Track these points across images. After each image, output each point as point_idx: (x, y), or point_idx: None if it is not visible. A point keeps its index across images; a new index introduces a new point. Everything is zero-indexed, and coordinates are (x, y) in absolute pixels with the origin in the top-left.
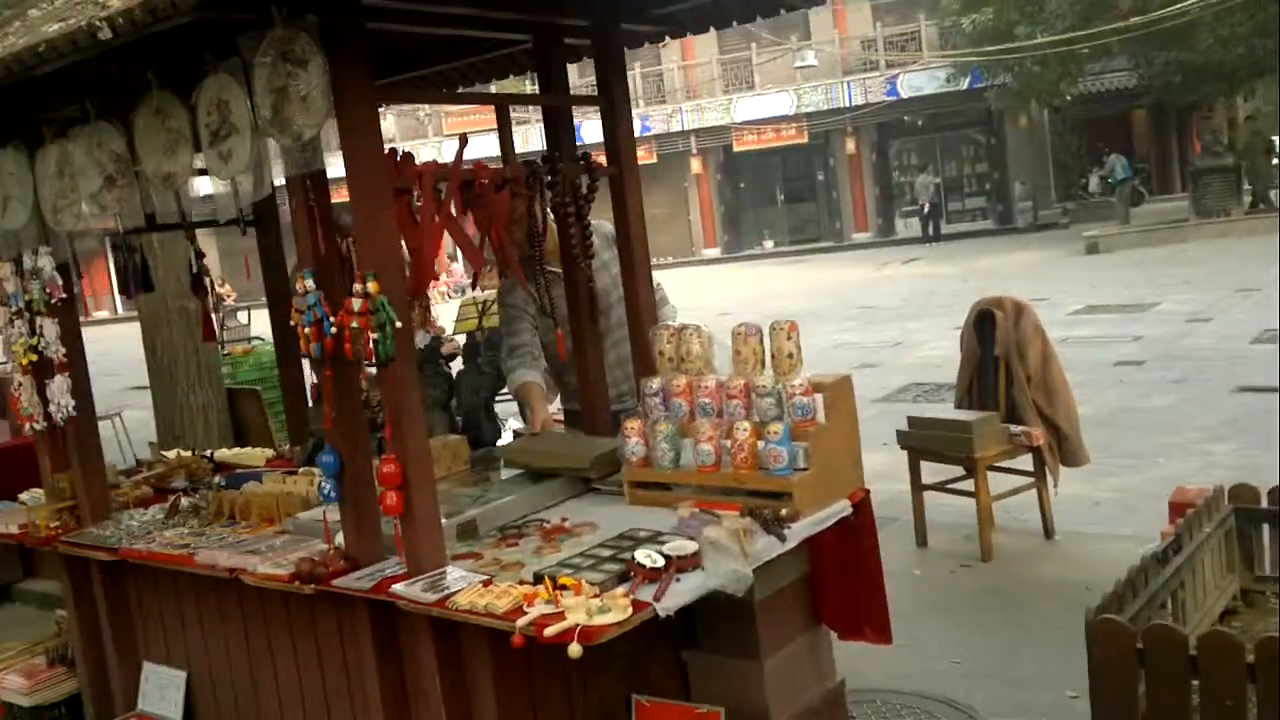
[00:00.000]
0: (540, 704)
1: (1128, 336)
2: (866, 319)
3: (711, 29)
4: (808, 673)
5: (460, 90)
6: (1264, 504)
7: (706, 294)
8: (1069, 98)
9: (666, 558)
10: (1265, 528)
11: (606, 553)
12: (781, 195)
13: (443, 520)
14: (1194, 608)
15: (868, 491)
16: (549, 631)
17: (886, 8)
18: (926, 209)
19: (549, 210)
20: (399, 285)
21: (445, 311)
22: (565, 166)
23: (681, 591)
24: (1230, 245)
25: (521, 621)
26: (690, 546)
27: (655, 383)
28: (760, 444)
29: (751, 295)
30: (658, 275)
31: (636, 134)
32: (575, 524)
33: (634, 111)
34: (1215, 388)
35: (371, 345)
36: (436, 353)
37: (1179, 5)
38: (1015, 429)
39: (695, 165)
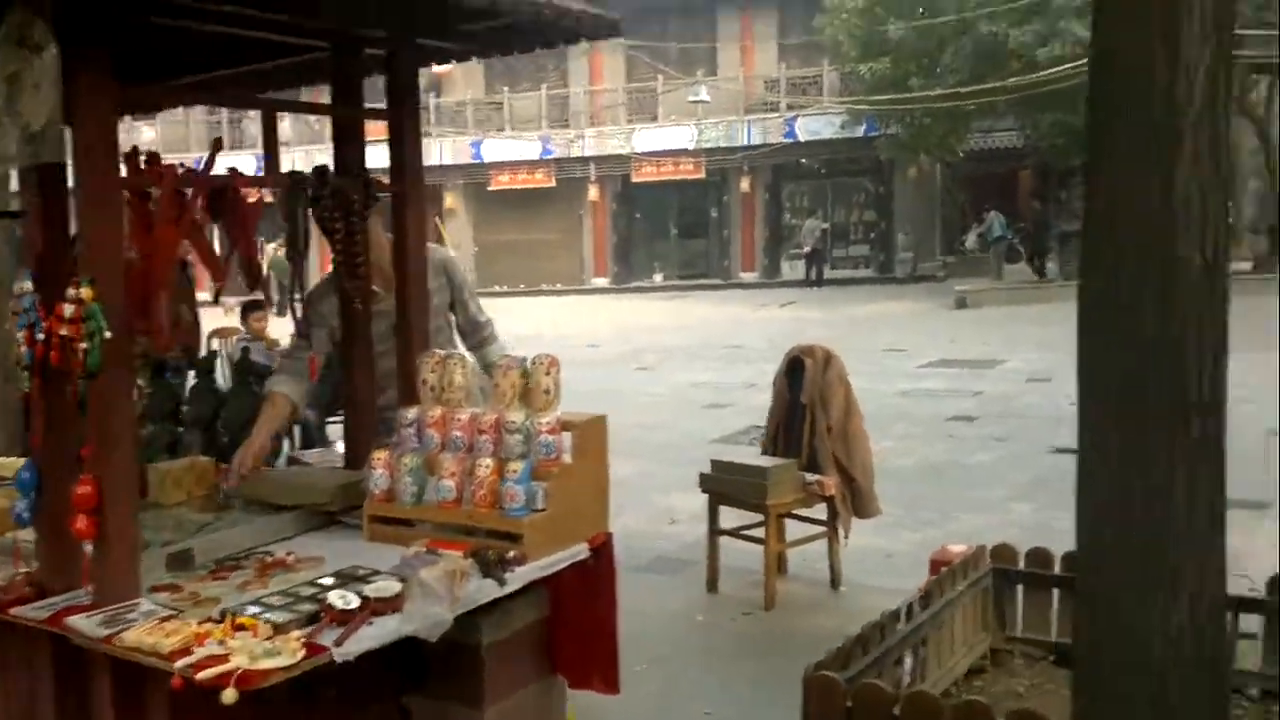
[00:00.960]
0: None
1: (968, 392)
2: (729, 359)
3: (515, 52)
4: None
5: (234, 94)
6: (1021, 566)
7: (583, 323)
8: (960, 154)
9: (364, 599)
10: (1019, 588)
11: (309, 591)
12: (675, 229)
13: (160, 548)
14: (937, 665)
15: (609, 535)
16: (204, 675)
17: (792, 50)
18: (810, 253)
19: (379, 230)
20: (117, 292)
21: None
22: (336, 181)
23: (369, 636)
24: None
25: (180, 663)
26: (393, 588)
27: (412, 413)
28: (501, 482)
29: (626, 328)
30: (500, 305)
31: (537, 156)
32: (299, 559)
33: (536, 134)
34: (1034, 447)
35: (81, 355)
36: (163, 365)
37: (1061, 69)
38: (810, 478)
39: (593, 192)
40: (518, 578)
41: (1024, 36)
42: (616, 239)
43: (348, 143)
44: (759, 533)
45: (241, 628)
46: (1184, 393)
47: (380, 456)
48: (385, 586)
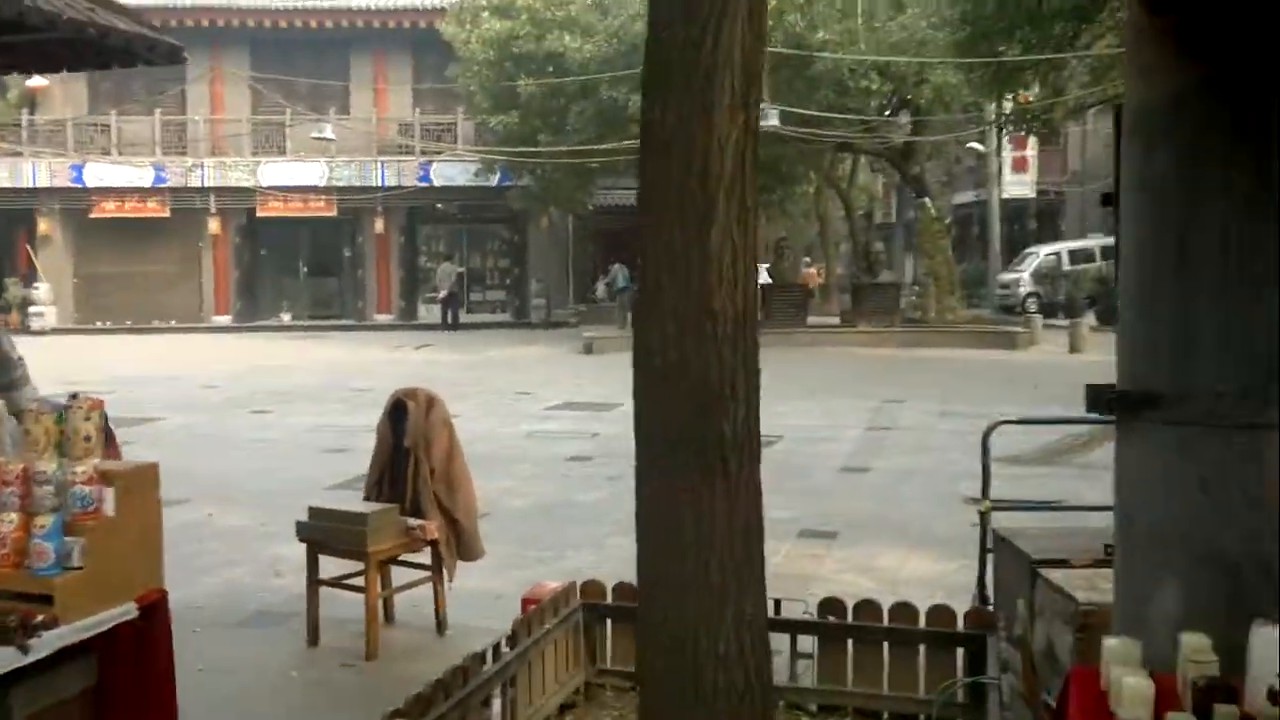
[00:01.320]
0: None
1: (587, 433)
2: (355, 402)
3: (66, 71)
4: None
5: None
6: (609, 600)
7: (200, 363)
8: (590, 207)
9: None
10: (609, 622)
11: None
12: (305, 267)
13: None
14: (526, 703)
15: (163, 594)
16: None
17: (427, 95)
18: (445, 296)
19: None
20: None
21: None
22: None
23: None
24: None
25: None
26: None
27: None
28: (29, 539)
29: (247, 369)
30: (103, 343)
31: (150, 183)
32: None
33: (149, 160)
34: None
35: None
36: None
37: None
38: (414, 522)
39: (213, 225)
40: (47, 644)
41: (641, 103)
42: (240, 275)
43: None
44: (362, 581)
45: None
46: (721, 434)
47: None
48: None
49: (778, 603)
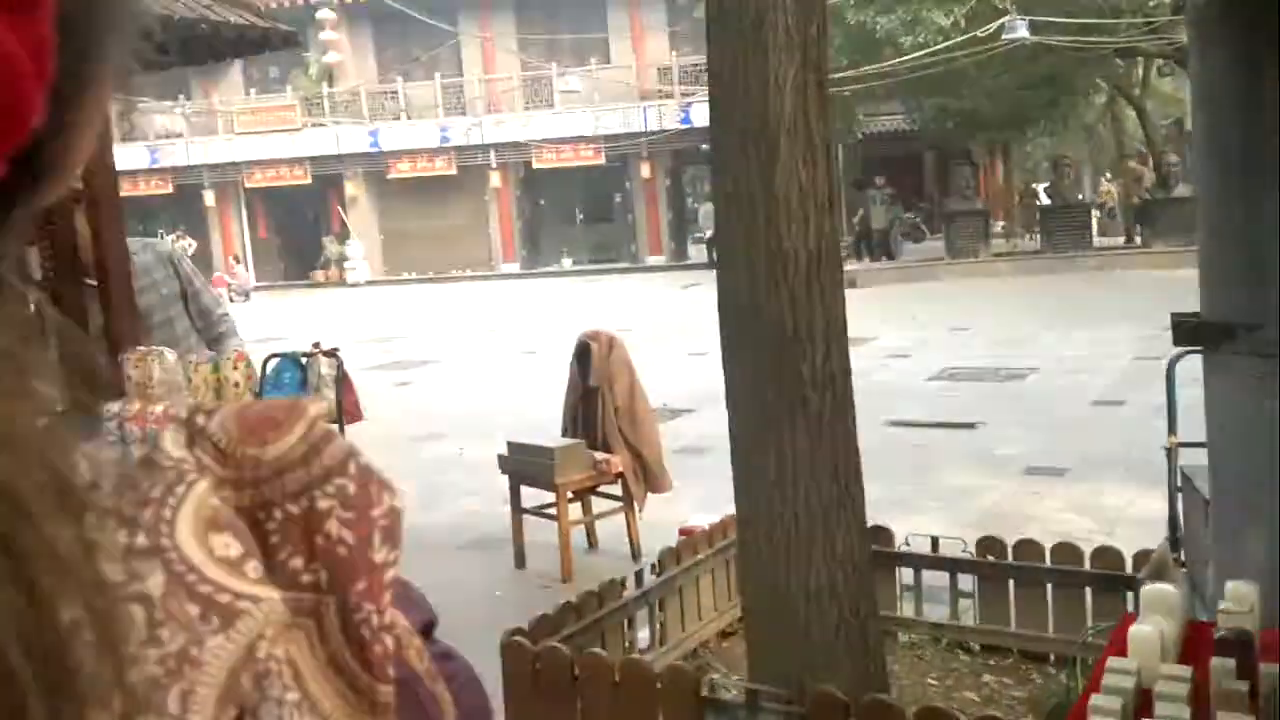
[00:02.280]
0: None
1: None
2: (626, 340)
3: (190, 65)
4: None
5: None
6: None
7: (487, 308)
8: (859, 135)
9: None
10: None
11: None
12: (581, 214)
13: None
14: (678, 629)
15: None
16: None
17: (683, 37)
18: (711, 236)
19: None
20: None
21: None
22: None
23: None
24: (974, 285)
25: None
26: None
27: (115, 407)
28: None
29: (527, 311)
30: (409, 293)
31: (436, 143)
32: None
33: (434, 121)
34: (869, 420)
35: None
36: None
37: (941, 54)
38: (600, 456)
39: (495, 179)
40: None
41: (890, 24)
42: (523, 224)
43: None
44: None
45: None
46: (799, 374)
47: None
48: None
49: (935, 540)
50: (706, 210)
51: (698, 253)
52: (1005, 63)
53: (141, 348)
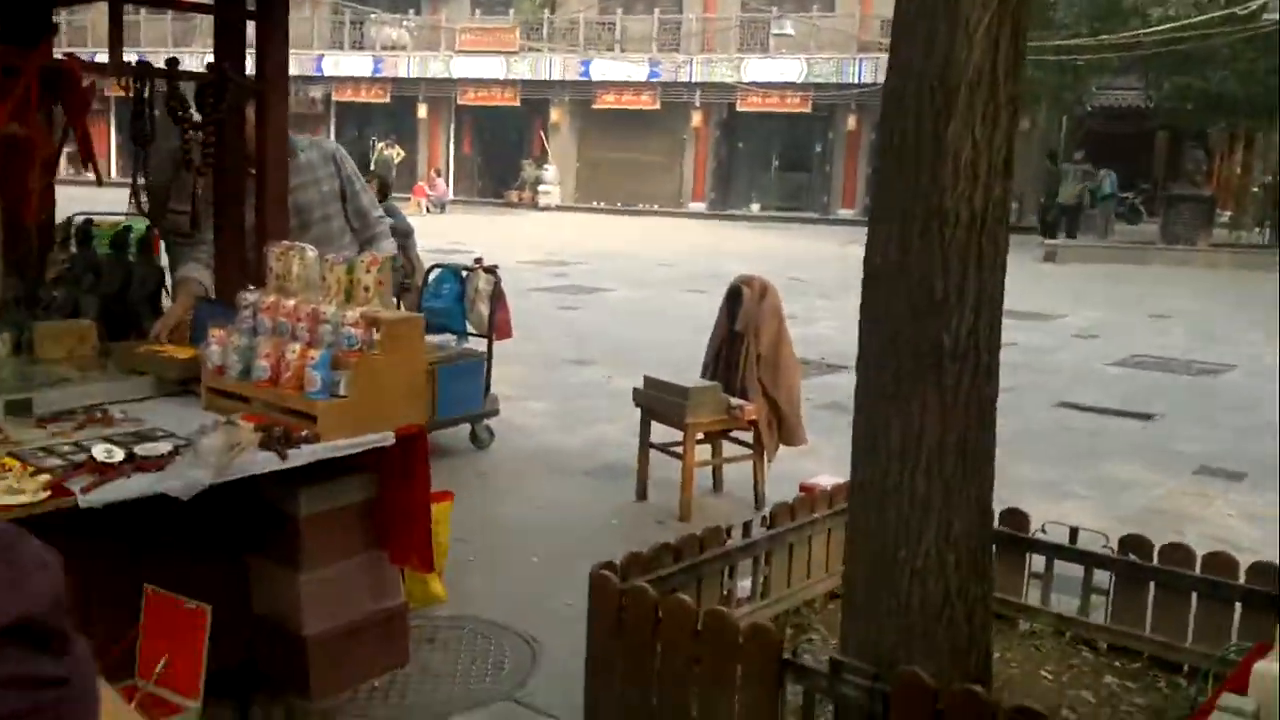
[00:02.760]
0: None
1: (1006, 343)
2: (789, 290)
3: None
4: (360, 591)
5: None
6: None
7: (667, 244)
8: (1089, 108)
9: (130, 455)
10: None
11: (93, 444)
12: (777, 161)
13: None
14: (783, 583)
15: (421, 429)
16: None
17: None
18: None
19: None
20: None
21: (422, 224)
22: (182, 73)
23: (119, 489)
24: (1186, 274)
25: None
26: (161, 449)
27: (251, 296)
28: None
29: (706, 251)
30: (594, 221)
31: (644, 78)
32: (125, 418)
33: (645, 56)
34: (1039, 399)
35: None
36: (89, 235)
37: (1189, 30)
38: (735, 402)
39: (696, 119)
40: (304, 455)
41: None
42: (716, 166)
43: (228, 40)
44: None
45: (5, 468)
46: (938, 343)
47: (218, 334)
48: (155, 447)
49: (1074, 530)
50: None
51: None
52: (1264, 45)
53: (286, 242)
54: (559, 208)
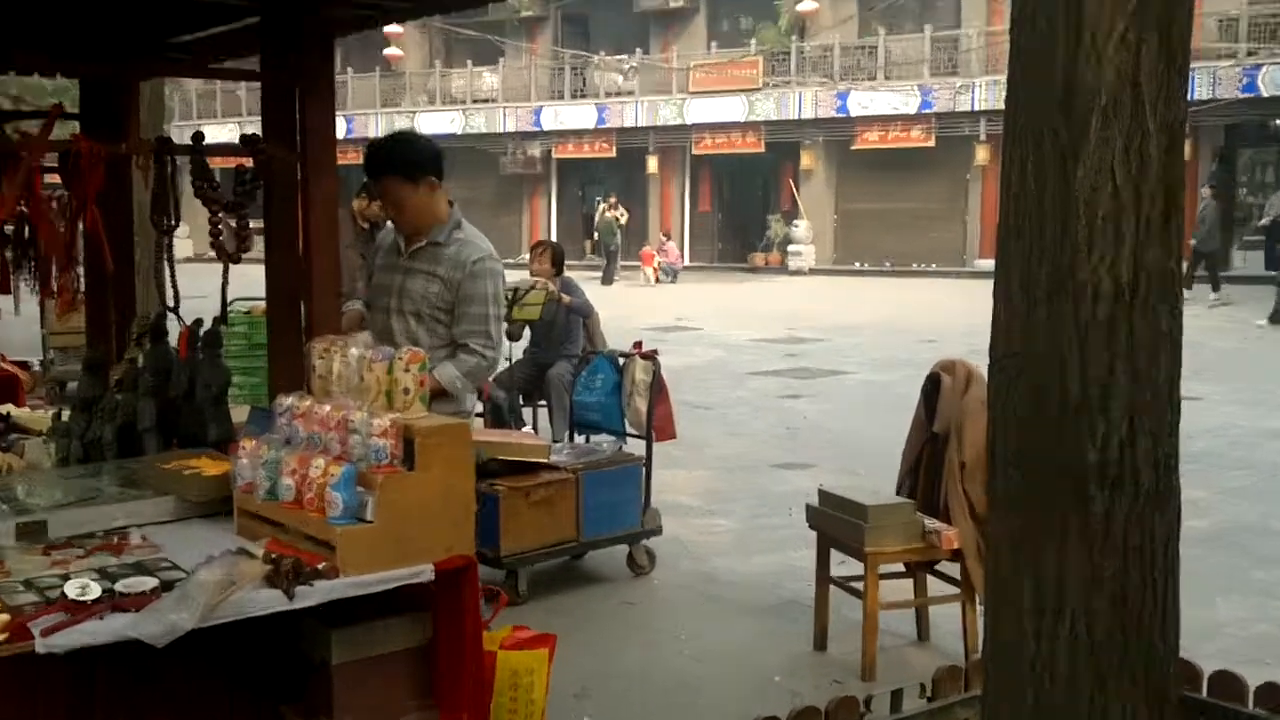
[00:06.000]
0: None
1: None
2: None
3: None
4: None
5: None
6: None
7: (937, 313)
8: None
9: (108, 593)
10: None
11: (83, 576)
12: None
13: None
14: None
15: (470, 561)
16: None
17: None
18: (1269, 222)
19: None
20: None
21: (647, 295)
22: (208, 147)
23: (86, 631)
24: None
25: None
26: (146, 585)
27: (287, 400)
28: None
29: (985, 321)
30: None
31: (914, 109)
32: (142, 544)
33: (915, 83)
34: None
35: None
36: (162, 331)
37: None
38: (931, 525)
39: (982, 154)
40: (319, 593)
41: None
42: None
43: (275, 111)
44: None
45: None
46: (1080, 457)
47: (249, 445)
48: (139, 583)
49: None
50: (1274, 201)
51: (1244, 261)
52: None
53: (329, 337)
54: (813, 271)
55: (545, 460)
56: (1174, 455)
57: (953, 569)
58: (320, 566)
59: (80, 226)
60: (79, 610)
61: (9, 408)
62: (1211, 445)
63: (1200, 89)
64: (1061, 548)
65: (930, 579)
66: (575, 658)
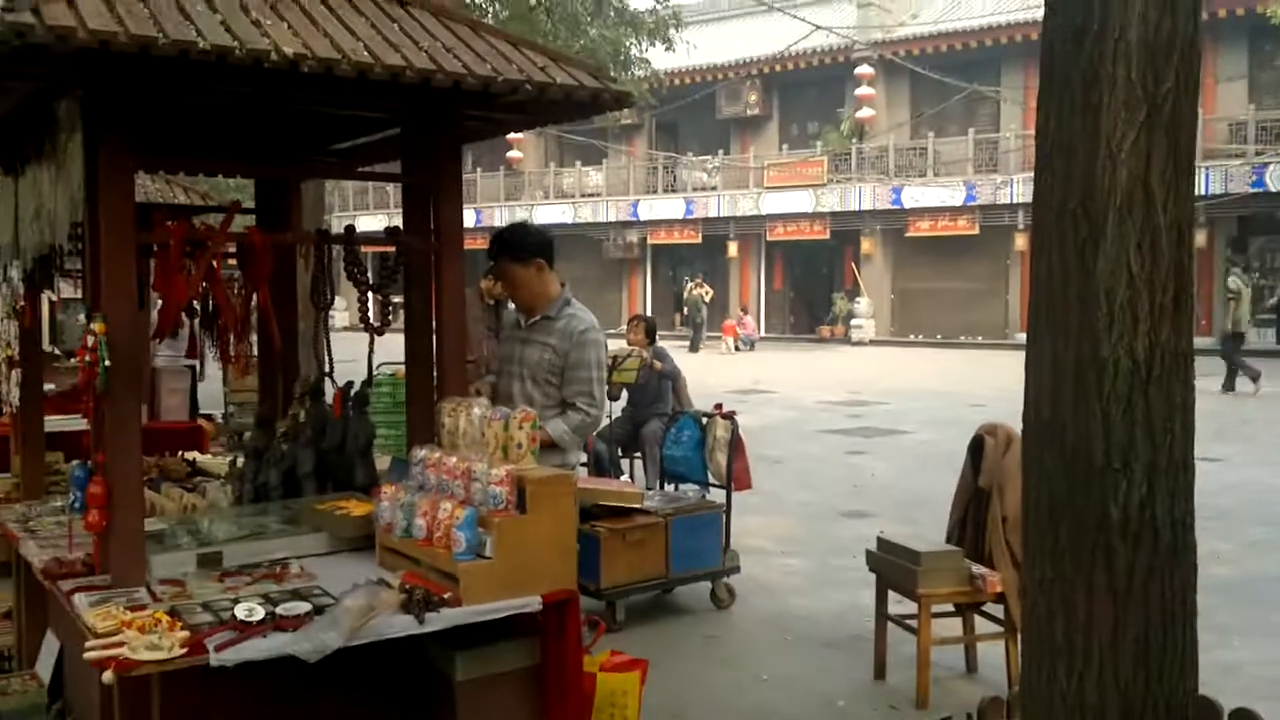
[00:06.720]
0: None
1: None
2: None
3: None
4: None
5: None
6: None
7: (985, 381)
8: None
9: (270, 615)
10: None
11: (251, 600)
12: None
13: (221, 545)
14: None
15: (573, 594)
16: (90, 655)
17: (1265, 86)
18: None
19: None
20: (128, 329)
21: (728, 363)
22: (359, 236)
23: (253, 648)
24: None
25: (90, 643)
26: (301, 609)
27: (420, 451)
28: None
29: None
30: (907, 356)
31: (960, 202)
32: (300, 573)
33: (960, 179)
34: None
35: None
36: (320, 391)
37: None
38: (977, 570)
39: (1020, 241)
40: (445, 619)
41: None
42: None
43: (415, 205)
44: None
45: (157, 621)
46: (1105, 516)
47: (389, 490)
48: (296, 606)
49: None
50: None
51: (1259, 336)
52: None
53: (457, 398)
54: (873, 341)
55: (639, 506)
56: (1190, 513)
57: (997, 610)
58: (446, 596)
59: (253, 304)
60: (246, 629)
61: (195, 454)
62: (1235, 502)
63: (1214, 184)
64: (1089, 594)
65: (977, 618)
66: (664, 681)
